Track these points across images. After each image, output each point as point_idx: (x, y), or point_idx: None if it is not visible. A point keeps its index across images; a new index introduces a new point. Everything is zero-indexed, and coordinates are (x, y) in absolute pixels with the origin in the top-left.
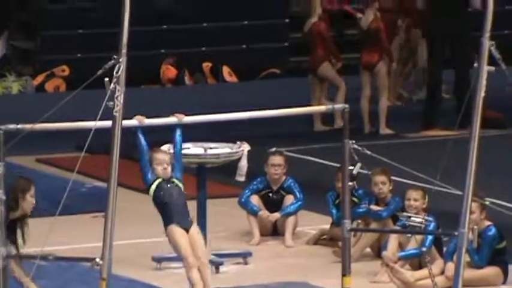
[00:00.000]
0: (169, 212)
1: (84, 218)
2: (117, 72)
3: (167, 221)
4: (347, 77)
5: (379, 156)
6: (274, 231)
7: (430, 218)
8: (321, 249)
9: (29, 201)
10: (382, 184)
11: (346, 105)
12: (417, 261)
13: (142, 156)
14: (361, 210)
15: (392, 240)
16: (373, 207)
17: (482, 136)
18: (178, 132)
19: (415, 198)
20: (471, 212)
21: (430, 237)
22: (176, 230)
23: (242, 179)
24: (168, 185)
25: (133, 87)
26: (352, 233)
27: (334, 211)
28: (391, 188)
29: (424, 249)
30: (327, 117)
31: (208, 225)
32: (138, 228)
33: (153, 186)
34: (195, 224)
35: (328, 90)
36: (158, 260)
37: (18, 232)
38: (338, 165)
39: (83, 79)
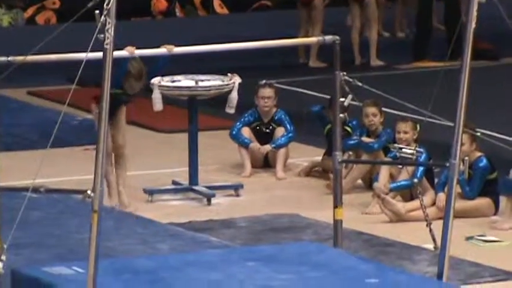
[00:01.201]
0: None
1: (76, 150)
2: (107, 5)
3: None
4: (336, 9)
5: (370, 87)
6: (266, 164)
7: (421, 150)
8: (312, 181)
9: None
10: (373, 116)
11: (337, 37)
12: (408, 193)
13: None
14: (352, 142)
15: (384, 172)
16: (365, 139)
17: (473, 67)
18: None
19: (404, 131)
20: (462, 144)
21: (421, 168)
22: None
23: (232, 111)
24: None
25: (124, 19)
26: (344, 165)
27: (316, 108)
28: (382, 120)
29: (415, 180)
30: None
31: (199, 158)
32: (129, 161)
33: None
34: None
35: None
36: (150, 192)
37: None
38: (329, 97)
39: (74, 11)
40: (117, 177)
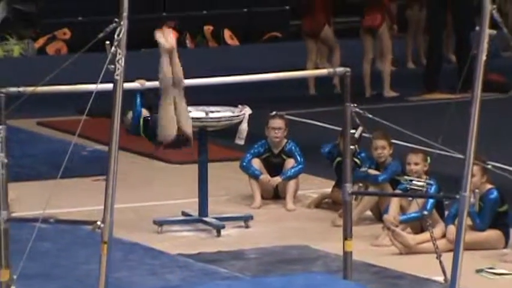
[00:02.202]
0: None
1: (85, 181)
2: (118, 36)
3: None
4: (347, 40)
5: (380, 119)
6: (276, 195)
7: (432, 182)
8: (322, 212)
9: None
10: (382, 148)
11: (348, 69)
12: (419, 225)
13: (134, 115)
14: (360, 174)
15: (394, 204)
16: (371, 171)
17: (483, 99)
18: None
19: (415, 162)
20: (472, 175)
21: (431, 200)
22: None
23: (242, 142)
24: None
25: (135, 50)
26: (354, 196)
27: (326, 149)
28: (391, 152)
29: (425, 212)
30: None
31: (209, 189)
32: (139, 192)
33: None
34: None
35: (325, 53)
36: (159, 223)
37: None
38: (339, 128)
39: (84, 42)
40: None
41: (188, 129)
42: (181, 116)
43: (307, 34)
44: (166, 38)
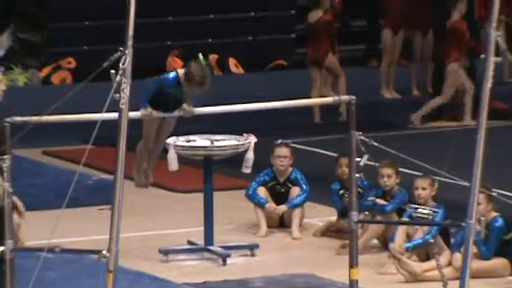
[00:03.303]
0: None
1: (91, 210)
2: (123, 64)
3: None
4: (352, 68)
5: (385, 147)
6: (281, 223)
7: (437, 210)
8: (328, 241)
9: None
10: (388, 177)
11: (353, 97)
12: (425, 253)
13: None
14: (366, 203)
15: (400, 232)
16: (379, 200)
17: (488, 127)
18: None
19: (423, 187)
20: (478, 203)
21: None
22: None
23: (248, 171)
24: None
25: (140, 79)
26: (360, 225)
27: (338, 203)
28: (398, 181)
29: (427, 237)
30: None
31: (215, 218)
32: (144, 221)
33: (169, 90)
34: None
35: (330, 81)
36: (165, 252)
37: None
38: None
39: (89, 71)
40: (148, 159)
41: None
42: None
43: (312, 62)
44: None
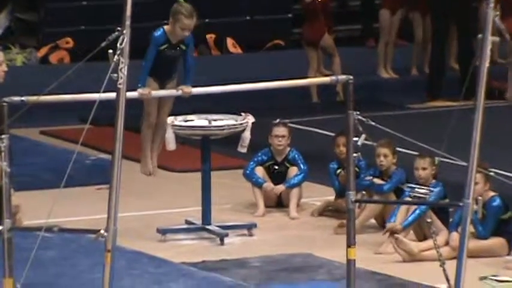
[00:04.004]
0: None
1: (89, 190)
2: (121, 44)
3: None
4: (347, 48)
5: (383, 127)
6: (279, 203)
7: (434, 189)
8: (325, 220)
9: None
10: (384, 157)
11: (350, 76)
12: (422, 232)
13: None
14: (364, 182)
15: (400, 212)
16: (376, 180)
17: (487, 107)
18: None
19: (423, 167)
20: (475, 183)
21: (432, 197)
22: (150, 83)
23: (244, 150)
24: (173, 50)
25: (138, 59)
26: (357, 204)
27: (335, 182)
28: (394, 160)
29: (418, 211)
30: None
31: (212, 198)
32: (142, 200)
33: (161, 48)
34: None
35: (323, 60)
36: (163, 232)
37: None
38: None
39: (87, 51)
40: (152, 142)
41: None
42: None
43: (307, 42)
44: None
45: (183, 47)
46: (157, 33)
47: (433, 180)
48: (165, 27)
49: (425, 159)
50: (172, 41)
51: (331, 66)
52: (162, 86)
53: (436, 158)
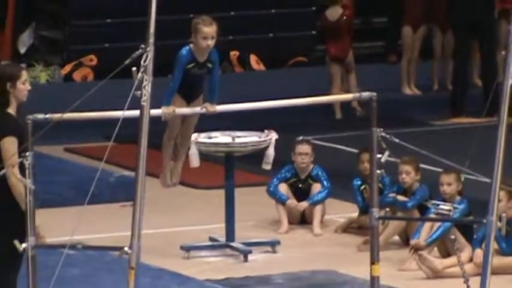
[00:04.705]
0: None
1: (113, 207)
2: (144, 62)
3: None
4: (372, 65)
5: (406, 144)
6: (303, 220)
7: (459, 206)
8: (349, 237)
9: (21, 88)
10: (406, 174)
11: (374, 93)
12: (446, 249)
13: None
14: (387, 199)
15: (425, 229)
16: (400, 197)
17: (510, 123)
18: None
19: (448, 183)
20: (499, 200)
21: (457, 214)
22: (176, 100)
23: (268, 167)
24: (199, 69)
25: (161, 76)
26: (381, 221)
27: (359, 199)
28: (417, 177)
29: (441, 228)
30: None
31: (236, 214)
32: (166, 217)
33: (188, 66)
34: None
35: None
36: (187, 249)
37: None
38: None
39: (111, 69)
40: (176, 158)
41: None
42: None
43: (333, 59)
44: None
45: (210, 65)
46: (184, 52)
47: (458, 197)
48: (191, 45)
49: (450, 175)
50: (199, 60)
51: (348, 82)
52: (188, 104)
53: (461, 175)
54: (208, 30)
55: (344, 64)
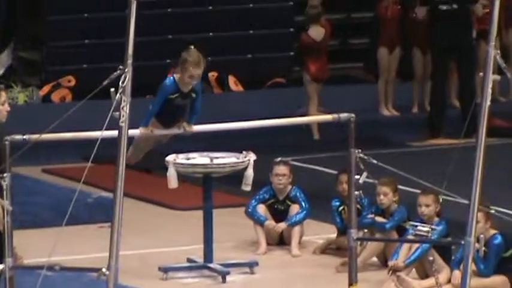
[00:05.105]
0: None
1: (91, 228)
2: (123, 83)
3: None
4: (351, 86)
5: (384, 165)
6: (281, 241)
7: (437, 227)
8: (327, 258)
9: (0, 109)
10: (384, 195)
11: (352, 115)
12: (424, 270)
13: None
14: (366, 220)
15: (403, 250)
16: (378, 218)
17: (488, 144)
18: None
19: (426, 204)
20: (477, 221)
21: (435, 235)
22: (154, 124)
23: (248, 188)
24: (183, 99)
25: (140, 97)
26: (359, 242)
27: (338, 220)
28: (395, 198)
29: (420, 250)
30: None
31: (214, 235)
32: (144, 238)
33: (171, 96)
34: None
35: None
36: (164, 270)
37: None
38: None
39: (89, 89)
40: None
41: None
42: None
43: (314, 79)
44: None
45: (193, 95)
46: (168, 82)
47: (437, 218)
48: (176, 75)
49: (428, 196)
50: (184, 90)
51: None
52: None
53: (440, 196)
54: (196, 72)
55: (322, 84)
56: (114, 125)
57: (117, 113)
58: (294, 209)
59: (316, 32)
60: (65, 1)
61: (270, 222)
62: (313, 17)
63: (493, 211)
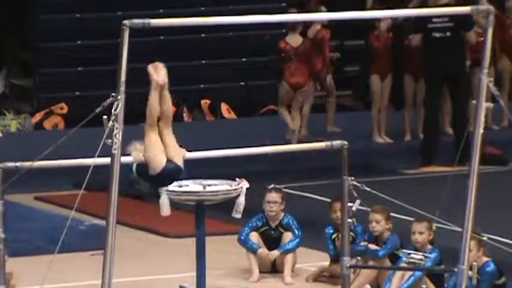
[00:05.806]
0: None
1: (83, 255)
2: (115, 110)
3: None
4: (342, 114)
5: (377, 192)
6: (274, 269)
7: (430, 255)
8: (320, 286)
9: None
10: (376, 222)
11: (345, 142)
12: None
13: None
14: (359, 248)
15: (397, 278)
16: (371, 246)
17: (481, 172)
18: None
19: (420, 231)
20: (469, 250)
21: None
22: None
23: (239, 216)
24: None
25: (132, 124)
26: (352, 270)
27: (331, 247)
28: (388, 226)
29: (413, 277)
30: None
31: (207, 263)
32: (136, 266)
33: None
34: None
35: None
36: None
37: None
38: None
39: (82, 117)
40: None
41: (178, 160)
42: (170, 147)
43: (290, 85)
44: (159, 73)
45: None
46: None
47: (430, 246)
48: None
49: (422, 224)
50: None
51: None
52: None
53: (433, 223)
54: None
55: (302, 92)
56: (106, 152)
57: (110, 141)
58: (287, 236)
59: (293, 39)
60: (58, 28)
61: (263, 250)
62: (291, 25)
63: (485, 238)
